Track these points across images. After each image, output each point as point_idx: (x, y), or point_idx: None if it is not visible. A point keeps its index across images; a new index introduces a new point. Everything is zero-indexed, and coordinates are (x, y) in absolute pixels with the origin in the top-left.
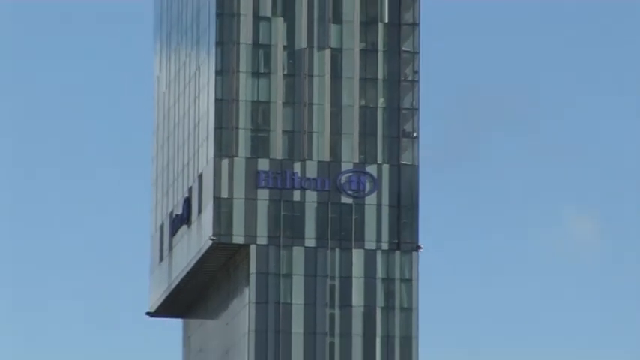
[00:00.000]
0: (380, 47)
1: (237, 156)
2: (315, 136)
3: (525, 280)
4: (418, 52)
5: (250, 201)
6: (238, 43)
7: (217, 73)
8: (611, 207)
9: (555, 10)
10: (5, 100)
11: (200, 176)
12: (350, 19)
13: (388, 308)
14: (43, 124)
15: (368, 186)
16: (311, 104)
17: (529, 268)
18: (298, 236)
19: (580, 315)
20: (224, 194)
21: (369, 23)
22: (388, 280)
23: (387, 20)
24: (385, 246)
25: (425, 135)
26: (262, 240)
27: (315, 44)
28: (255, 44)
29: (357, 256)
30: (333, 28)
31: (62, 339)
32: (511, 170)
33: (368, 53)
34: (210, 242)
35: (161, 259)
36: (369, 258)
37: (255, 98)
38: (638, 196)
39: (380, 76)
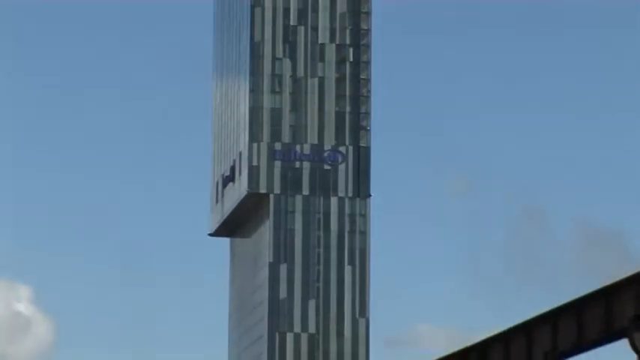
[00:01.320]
0: (347, 77)
1: (262, 141)
2: (308, 129)
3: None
4: (370, 80)
5: (270, 168)
6: (263, 74)
7: (251, 91)
8: None
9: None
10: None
11: (240, 153)
12: (330, 59)
13: (352, 232)
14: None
15: (340, 159)
16: (306, 110)
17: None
18: (298, 190)
19: None
20: (254, 163)
21: (340, 62)
22: (352, 215)
23: (351, 59)
24: (350, 195)
25: (375, 129)
26: (277, 191)
27: (309, 74)
28: (273, 74)
29: (334, 202)
30: (320, 65)
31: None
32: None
33: (340, 80)
34: (246, 192)
35: (217, 202)
36: (341, 202)
37: (273, 106)
38: None
39: (347, 94)
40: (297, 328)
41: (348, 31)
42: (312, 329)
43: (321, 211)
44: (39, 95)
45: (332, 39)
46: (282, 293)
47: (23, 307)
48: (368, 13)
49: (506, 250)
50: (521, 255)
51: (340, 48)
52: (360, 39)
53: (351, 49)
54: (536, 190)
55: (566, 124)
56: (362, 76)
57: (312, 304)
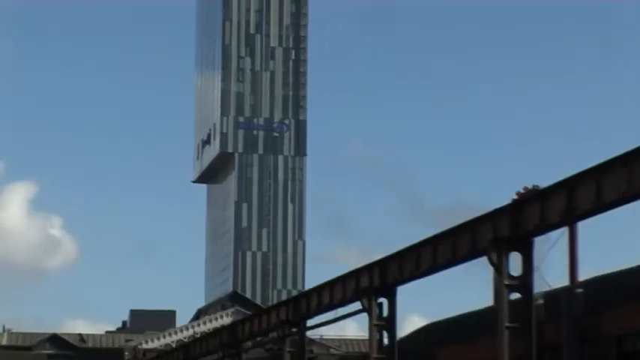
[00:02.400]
0: (290, 71)
1: (230, 115)
2: (263, 108)
3: None
4: (306, 73)
5: (235, 135)
6: (231, 68)
7: (222, 80)
8: None
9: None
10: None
11: (214, 124)
12: (278, 58)
13: (293, 180)
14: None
15: (285, 128)
16: (261, 94)
17: None
18: (255, 150)
19: None
20: (224, 131)
21: (285, 60)
22: (293, 169)
23: (293, 58)
24: (292, 154)
25: (309, 107)
26: (240, 151)
27: (263, 69)
28: (238, 68)
29: (280, 159)
30: (271, 62)
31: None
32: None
33: (285, 73)
34: (218, 152)
35: (197, 158)
36: (285, 160)
37: (238, 91)
38: None
39: (290, 82)
40: (254, 248)
41: (291, 38)
42: (264, 248)
43: (272, 165)
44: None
45: (280, 44)
46: (244, 223)
47: (55, 232)
48: (305, 25)
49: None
50: None
51: (286, 50)
52: (299, 43)
53: (293, 51)
54: None
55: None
56: (301, 70)
57: (264, 231)
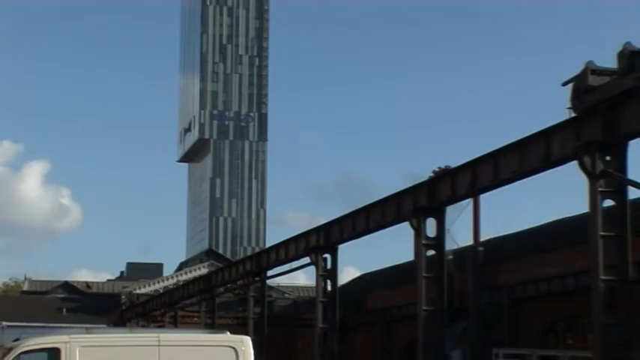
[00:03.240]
0: (255, 74)
1: (206, 109)
2: (233, 103)
3: None
4: (268, 76)
5: (211, 124)
6: (207, 71)
7: (200, 81)
8: None
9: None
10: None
11: (194, 116)
12: (245, 63)
13: (257, 161)
14: None
15: (250, 120)
16: (232, 93)
17: None
18: (227, 137)
19: None
20: (202, 122)
21: (251, 65)
22: (257, 152)
23: (257, 64)
24: (257, 138)
25: (270, 104)
26: (215, 137)
27: (233, 72)
28: (213, 72)
29: (247, 144)
30: (239, 67)
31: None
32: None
33: (251, 76)
34: (197, 137)
35: (180, 142)
36: (251, 144)
37: (213, 90)
38: None
39: (255, 83)
40: (225, 214)
41: (255, 48)
42: (233, 215)
43: (240, 148)
44: None
45: (246, 52)
46: (217, 194)
47: (64, 200)
48: (267, 38)
49: None
50: None
51: (251, 58)
52: (262, 52)
53: (257, 58)
54: None
55: None
56: (263, 73)
57: (234, 201)
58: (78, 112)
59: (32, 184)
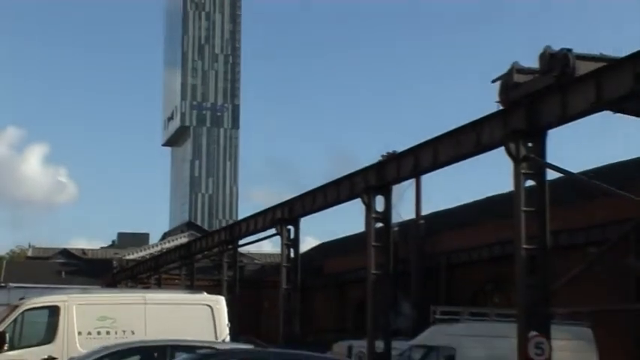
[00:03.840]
0: (229, 71)
1: (186, 100)
2: (210, 95)
3: None
4: (240, 72)
5: (191, 114)
6: (188, 68)
7: (181, 76)
8: None
9: None
10: None
11: (176, 106)
12: (220, 61)
13: (231, 146)
14: None
15: (225, 110)
16: (209, 86)
17: None
18: (204, 124)
19: None
20: (183, 111)
21: (225, 63)
22: (231, 138)
23: (231, 62)
24: (231, 126)
25: (242, 96)
26: (194, 124)
27: (210, 69)
28: (193, 68)
29: (222, 130)
30: (215, 64)
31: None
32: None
33: (225, 72)
34: (179, 125)
35: (165, 129)
36: (225, 131)
37: (193, 83)
38: None
39: (229, 78)
40: (203, 191)
41: (229, 48)
42: (210, 192)
43: (216, 134)
44: None
45: (221, 51)
46: (196, 174)
47: (62, 178)
48: (239, 39)
49: None
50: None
51: (226, 56)
52: (235, 52)
53: (230, 57)
54: None
55: None
56: (236, 70)
57: (210, 180)
58: (75, 102)
59: (34, 164)
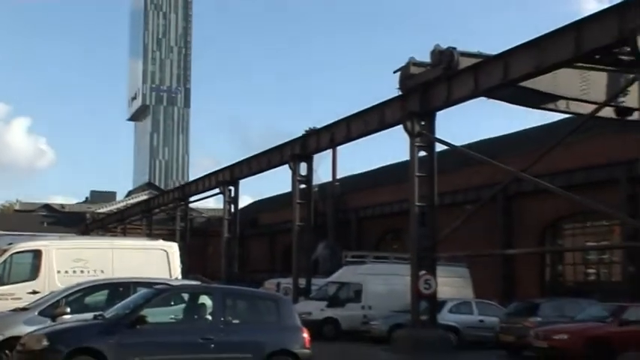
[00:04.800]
0: (182, 59)
1: (146, 83)
2: (166, 79)
3: None
4: (191, 60)
5: (150, 95)
6: (148, 57)
7: (143, 63)
8: None
9: None
10: None
11: (139, 88)
12: (175, 52)
13: (184, 121)
14: None
15: (178, 92)
16: (165, 72)
17: None
18: (162, 103)
19: None
20: (144, 92)
21: (179, 53)
22: (184, 114)
23: (184, 53)
24: (183, 105)
25: (192, 80)
26: (153, 104)
27: (166, 58)
28: (152, 57)
29: (176, 108)
30: (171, 54)
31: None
32: None
33: (179, 61)
34: (140, 104)
35: (129, 107)
36: (179, 109)
37: (152, 70)
38: None
39: (182, 66)
40: (161, 158)
41: (182, 41)
42: (166, 158)
43: (171, 112)
44: None
45: (176, 44)
46: (155, 144)
47: (43, 146)
48: (191, 34)
49: None
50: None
51: (179, 48)
52: (187, 44)
53: (183, 49)
54: None
55: None
56: (188, 59)
57: (166, 149)
58: (56, 84)
59: (18, 134)
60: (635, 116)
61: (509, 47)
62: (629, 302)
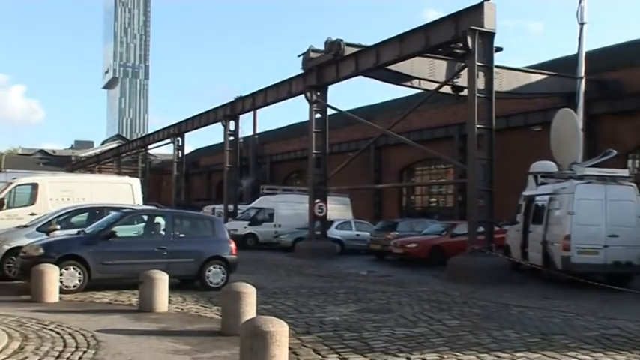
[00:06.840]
0: (144, 43)
1: (117, 61)
2: (132, 58)
3: None
4: (150, 43)
5: (119, 70)
6: (118, 41)
7: (114, 46)
8: None
9: None
10: None
11: (111, 63)
12: (138, 38)
13: (144, 91)
14: None
15: (141, 68)
16: (130, 52)
17: None
18: (128, 77)
19: None
20: (114, 68)
21: (140, 40)
22: (144, 86)
23: (144, 40)
24: (144, 78)
25: (152, 60)
26: (122, 77)
27: (132, 42)
28: (123, 41)
29: (138, 81)
30: (134, 39)
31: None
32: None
33: (141, 46)
34: (111, 77)
35: (103, 78)
36: (140, 82)
37: (121, 51)
38: None
39: (144, 47)
40: (126, 117)
41: (143, 29)
42: (132, 117)
43: (135, 83)
44: None
45: (138, 31)
46: (122, 106)
47: (36, 107)
48: (149, 26)
49: None
50: None
51: (141, 35)
52: (147, 32)
53: (144, 36)
54: None
55: None
56: (147, 44)
57: (131, 110)
58: (48, 58)
59: (16, 98)
60: (464, 92)
61: (380, 41)
62: (458, 221)
